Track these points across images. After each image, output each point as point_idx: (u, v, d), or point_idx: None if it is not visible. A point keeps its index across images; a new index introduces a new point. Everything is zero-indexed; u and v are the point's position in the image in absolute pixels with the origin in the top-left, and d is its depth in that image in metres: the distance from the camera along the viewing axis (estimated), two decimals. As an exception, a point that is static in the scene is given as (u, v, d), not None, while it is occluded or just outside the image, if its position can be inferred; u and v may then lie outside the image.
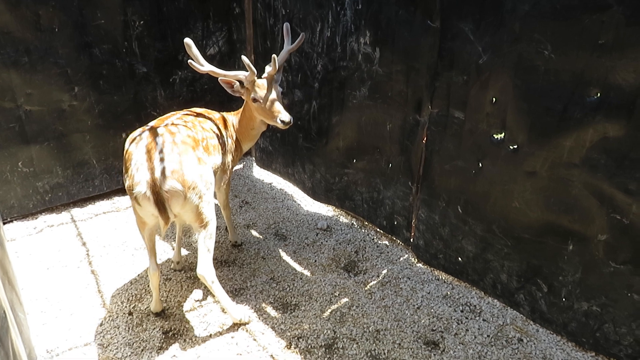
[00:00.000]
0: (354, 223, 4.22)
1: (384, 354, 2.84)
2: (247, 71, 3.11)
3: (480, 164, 3.04)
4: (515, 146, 2.82)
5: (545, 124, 2.64)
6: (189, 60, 3.08)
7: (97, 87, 4.14)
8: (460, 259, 3.37)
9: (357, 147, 3.93)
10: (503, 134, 2.88)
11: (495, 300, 3.24)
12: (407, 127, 3.47)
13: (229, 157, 3.33)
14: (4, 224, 3.95)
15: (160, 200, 2.56)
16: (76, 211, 4.33)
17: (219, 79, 3.17)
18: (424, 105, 3.29)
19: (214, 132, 3.14)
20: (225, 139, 3.27)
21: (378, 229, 4.07)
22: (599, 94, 2.41)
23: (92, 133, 4.26)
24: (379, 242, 3.94)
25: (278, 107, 3.17)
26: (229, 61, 4.84)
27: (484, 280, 3.27)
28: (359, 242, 3.94)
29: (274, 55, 3.04)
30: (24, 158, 3.97)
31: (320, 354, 2.84)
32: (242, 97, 3.28)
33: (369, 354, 2.84)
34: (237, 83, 3.20)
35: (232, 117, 3.47)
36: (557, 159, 2.64)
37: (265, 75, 3.17)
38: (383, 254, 3.78)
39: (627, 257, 2.52)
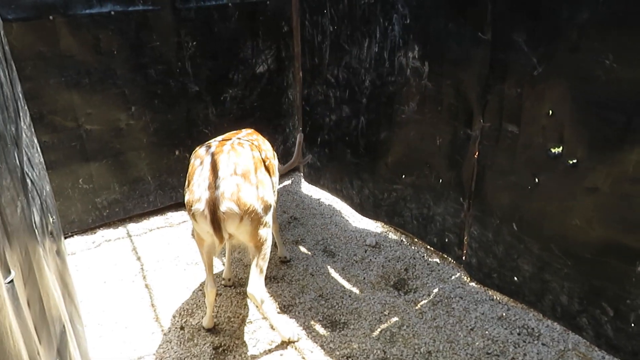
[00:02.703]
0: (404, 240, 4.14)
1: (436, 376, 2.74)
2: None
3: (537, 180, 2.91)
4: (575, 160, 2.69)
5: (608, 137, 2.50)
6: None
7: (152, 106, 4.30)
8: (516, 278, 3.22)
9: (405, 162, 3.87)
10: (561, 148, 2.75)
11: (555, 324, 3.07)
12: (458, 142, 3.39)
13: (277, 174, 3.38)
14: (65, 238, 4.13)
15: (216, 220, 2.59)
16: (132, 226, 4.48)
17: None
18: (475, 119, 3.20)
19: (272, 151, 3.20)
20: (274, 156, 3.34)
21: (428, 246, 3.97)
22: (667, 105, 2.26)
23: (147, 150, 4.41)
24: (430, 259, 3.84)
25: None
26: (277, 78, 4.92)
27: (542, 302, 3.11)
28: (408, 259, 3.85)
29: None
30: (84, 175, 4.15)
31: (369, 374, 2.78)
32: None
33: (420, 376, 2.75)
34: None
35: None
36: (620, 174, 2.49)
37: None
38: (434, 272, 3.68)
39: (703, 280, 2.33)
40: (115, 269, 3.85)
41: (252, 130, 3.39)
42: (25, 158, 2.30)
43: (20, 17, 3.51)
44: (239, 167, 2.74)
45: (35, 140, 3.27)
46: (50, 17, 3.62)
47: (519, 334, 3.02)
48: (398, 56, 3.61)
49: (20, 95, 2.98)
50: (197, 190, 2.65)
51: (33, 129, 3.28)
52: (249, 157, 2.85)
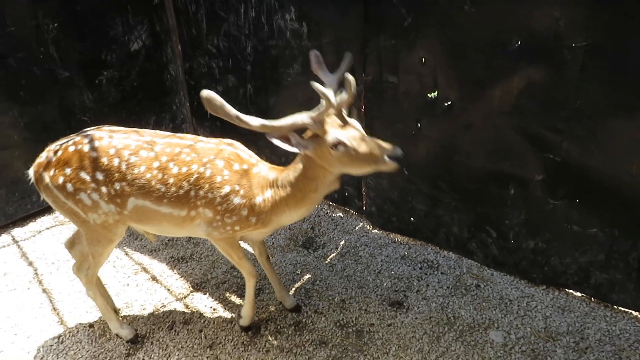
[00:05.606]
0: (307, 200, 4.24)
1: (352, 321, 2.91)
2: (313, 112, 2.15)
3: (419, 124, 3.11)
4: (449, 102, 2.90)
5: (474, 78, 2.73)
6: (238, 115, 2.09)
7: (18, 99, 3.91)
8: (412, 219, 3.46)
9: (298, 124, 3.92)
10: (436, 93, 2.96)
11: (451, 253, 3.37)
12: (345, 98, 3.49)
13: (230, 218, 2.48)
14: (-61, 256, 3.71)
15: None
16: (17, 231, 4.11)
17: (266, 134, 2.16)
18: (358, 74, 3.31)
19: (187, 175, 2.42)
20: (220, 194, 2.44)
21: (331, 203, 4.11)
22: (519, 42, 2.50)
23: (21, 148, 4.03)
24: (333, 215, 3.99)
25: (376, 143, 2.14)
26: (155, 54, 4.68)
27: (438, 236, 3.38)
28: (313, 218, 3.97)
29: (348, 76, 2.08)
30: (-51, 184, 3.72)
31: (290, 332, 2.87)
32: (306, 150, 2.22)
33: (337, 324, 2.90)
34: (296, 135, 2.18)
35: (272, 173, 2.58)
36: (489, 109, 2.75)
37: (330, 107, 2.14)
38: (339, 226, 3.83)
39: (563, 193, 2.67)
40: (5, 279, 3.54)
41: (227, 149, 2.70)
42: None
43: None
44: (69, 147, 2.46)
45: None
46: None
47: (420, 268, 3.28)
48: (276, 19, 3.60)
49: None
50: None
51: None
52: (94, 144, 2.45)
